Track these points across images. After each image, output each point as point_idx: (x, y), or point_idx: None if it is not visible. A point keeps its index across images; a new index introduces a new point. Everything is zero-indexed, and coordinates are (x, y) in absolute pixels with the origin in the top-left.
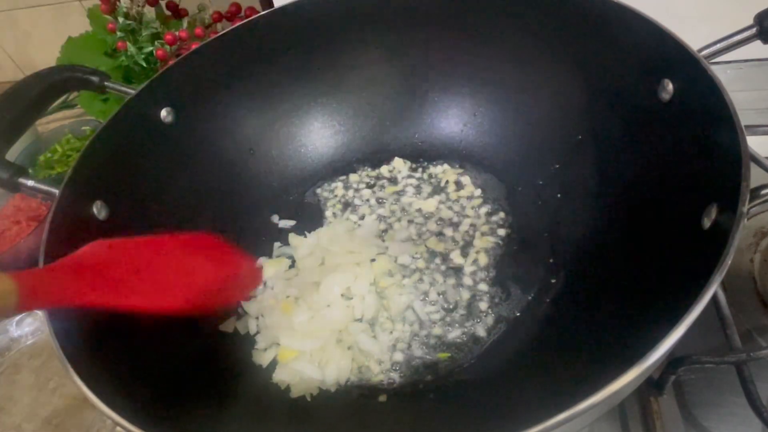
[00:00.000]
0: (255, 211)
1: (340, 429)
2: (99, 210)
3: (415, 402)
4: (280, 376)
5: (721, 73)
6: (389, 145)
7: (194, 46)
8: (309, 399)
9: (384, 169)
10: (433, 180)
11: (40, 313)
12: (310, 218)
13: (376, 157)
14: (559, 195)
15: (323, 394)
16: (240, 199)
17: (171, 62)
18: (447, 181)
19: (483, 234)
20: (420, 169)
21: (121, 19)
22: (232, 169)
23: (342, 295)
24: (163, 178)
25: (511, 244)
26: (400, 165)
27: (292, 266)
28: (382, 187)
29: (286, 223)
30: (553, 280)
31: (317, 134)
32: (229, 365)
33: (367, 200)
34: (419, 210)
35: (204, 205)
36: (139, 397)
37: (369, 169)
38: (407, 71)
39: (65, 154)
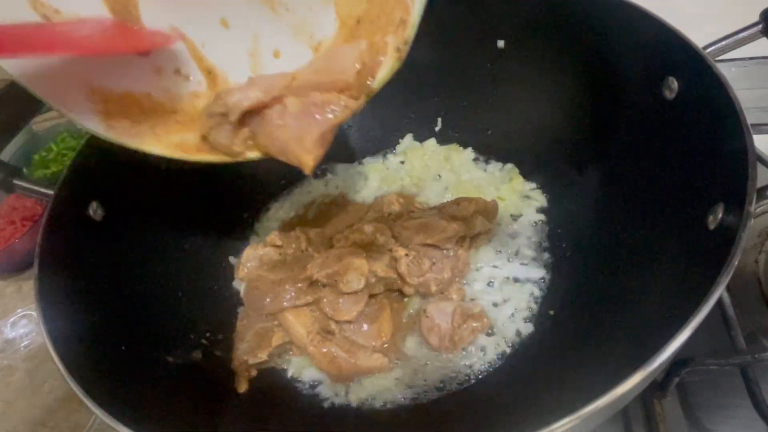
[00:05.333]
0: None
1: None
2: (95, 211)
3: (419, 408)
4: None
5: (725, 70)
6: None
7: None
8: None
9: None
10: None
11: (35, 315)
12: None
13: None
14: (561, 194)
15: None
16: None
17: None
18: None
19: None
20: None
21: None
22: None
23: None
24: (162, 178)
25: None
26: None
27: None
28: None
29: None
30: (555, 283)
31: None
32: (226, 366)
33: None
34: None
35: (204, 204)
36: (135, 399)
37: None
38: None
39: (60, 152)
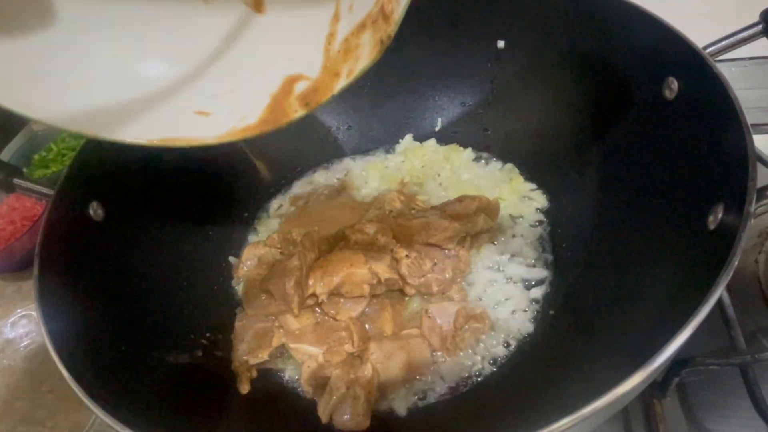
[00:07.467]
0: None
1: None
2: (95, 211)
3: (420, 409)
4: None
5: (725, 70)
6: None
7: None
8: None
9: None
10: None
11: (35, 315)
12: None
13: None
14: (561, 194)
15: None
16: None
17: None
18: None
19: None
20: None
21: None
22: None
23: None
24: (162, 177)
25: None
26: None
27: None
28: None
29: None
30: (556, 283)
31: None
32: (226, 366)
33: None
34: None
35: (204, 203)
36: (135, 399)
37: None
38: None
39: (60, 152)
